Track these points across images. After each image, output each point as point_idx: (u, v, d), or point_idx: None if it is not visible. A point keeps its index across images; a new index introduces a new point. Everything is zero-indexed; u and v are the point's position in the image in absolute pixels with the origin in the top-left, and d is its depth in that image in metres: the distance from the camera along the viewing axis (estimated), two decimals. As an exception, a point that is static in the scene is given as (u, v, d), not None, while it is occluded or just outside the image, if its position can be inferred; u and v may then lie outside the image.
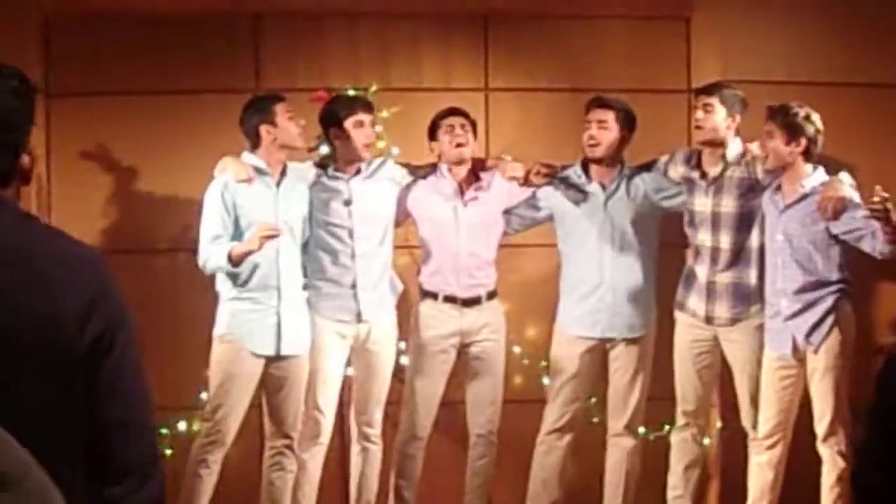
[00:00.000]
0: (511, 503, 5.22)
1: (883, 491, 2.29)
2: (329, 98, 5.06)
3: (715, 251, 4.89)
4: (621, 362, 5.04)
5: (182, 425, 5.19)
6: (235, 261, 4.59)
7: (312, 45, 5.57)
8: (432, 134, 5.04)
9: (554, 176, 5.03)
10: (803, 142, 4.67)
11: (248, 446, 5.10)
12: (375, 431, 5.04)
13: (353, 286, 4.88)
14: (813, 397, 4.76)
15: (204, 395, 4.92)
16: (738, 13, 5.54)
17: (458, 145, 4.99)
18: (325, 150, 5.05)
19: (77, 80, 5.40)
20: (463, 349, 5.04)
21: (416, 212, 5.08)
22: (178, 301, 5.28)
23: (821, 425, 4.73)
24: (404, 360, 5.10)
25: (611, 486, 5.14)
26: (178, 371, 5.09)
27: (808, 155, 4.70)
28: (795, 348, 4.75)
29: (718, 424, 5.41)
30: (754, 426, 4.92)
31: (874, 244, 4.52)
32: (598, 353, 5.05)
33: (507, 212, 5.09)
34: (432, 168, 5.08)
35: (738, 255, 4.87)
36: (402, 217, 5.09)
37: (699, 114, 4.89)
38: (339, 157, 4.93)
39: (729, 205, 4.86)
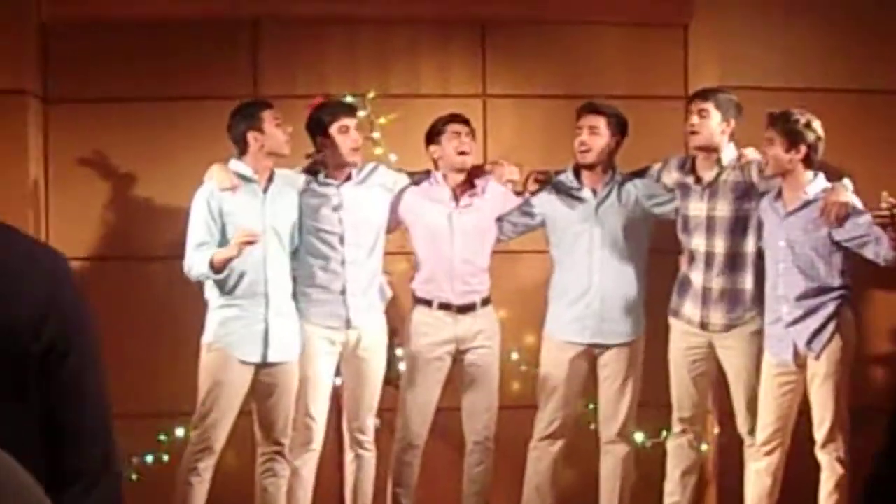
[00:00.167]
0: (508, 509, 5.22)
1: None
2: (316, 105, 5.04)
3: (710, 256, 4.89)
4: (610, 369, 5.03)
5: (180, 431, 5.19)
6: (217, 267, 4.57)
7: (311, 52, 5.57)
8: (431, 138, 5.03)
9: (548, 182, 5.03)
10: (803, 149, 4.67)
11: (241, 453, 5.09)
12: (368, 438, 5.03)
13: (343, 292, 4.87)
14: (812, 403, 4.76)
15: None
16: (735, 20, 5.55)
17: (462, 153, 4.99)
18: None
19: (75, 87, 5.39)
20: (458, 356, 5.03)
21: (409, 218, 5.07)
22: (176, 307, 5.26)
23: (820, 431, 4.73)
24: (403, 367, 5.08)
25: (606, 493, 5.13)
26: (176, 377, 5.08)
27: (808, 162, 4.69)
28: (796, 355, 4.74)
29: (716, 430, 5.41)
30: (751, 433, 4.92)
31: (878, 250, 4.53)
32: (587, 359, 5.04)
33: (499, 219, 5.08)
34: (426, 174, 5.08)
35: (733, 260, 4.87)
36: (395, 223, 5.07)
37: (694, 118, 4.89)
38: (328, 164, 4.92)
39: (724, 209, 4.86)
